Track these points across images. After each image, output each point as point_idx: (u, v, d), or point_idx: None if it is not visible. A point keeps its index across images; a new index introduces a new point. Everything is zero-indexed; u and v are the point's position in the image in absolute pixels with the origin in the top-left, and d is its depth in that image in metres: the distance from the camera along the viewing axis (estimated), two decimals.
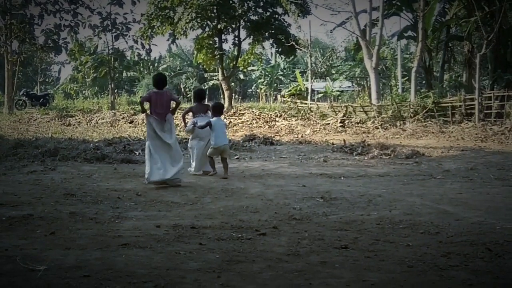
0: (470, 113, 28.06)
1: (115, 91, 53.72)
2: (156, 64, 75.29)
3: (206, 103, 14.79)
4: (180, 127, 21.97)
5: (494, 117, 27.59)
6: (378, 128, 27.50)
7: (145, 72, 66.15)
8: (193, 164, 13.54)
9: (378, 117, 29.61)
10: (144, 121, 11.65)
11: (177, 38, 44.10)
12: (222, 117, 13.47)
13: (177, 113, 16.79)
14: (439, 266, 5.78)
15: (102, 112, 37.99)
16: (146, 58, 54.62)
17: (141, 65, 58.73)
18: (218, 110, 13.16)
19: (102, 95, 61.90)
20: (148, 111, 11.87)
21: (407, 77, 47.84)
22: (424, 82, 38.43)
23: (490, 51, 31.28)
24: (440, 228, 7.56)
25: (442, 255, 6.20)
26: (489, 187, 11.34)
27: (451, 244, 6.70)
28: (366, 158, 17.00)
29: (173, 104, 11.95)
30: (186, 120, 13.96)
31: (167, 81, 12.72)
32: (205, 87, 75.73)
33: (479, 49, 32.32)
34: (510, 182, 12.12)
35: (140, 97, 11.62)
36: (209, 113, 13.31)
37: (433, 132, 25.07)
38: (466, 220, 8.09)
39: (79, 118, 34.36)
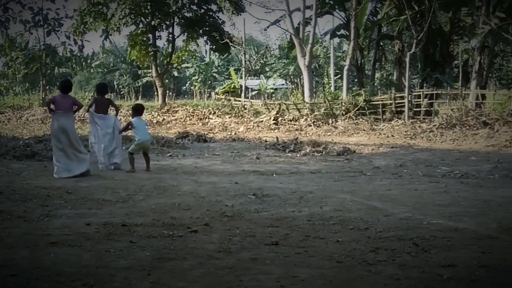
0: (400, 111, 28.58)
1: (47, 87, 52.69)
2: (89, 61, 74.01)
3: (108, 97, 15.16)
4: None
5: (423, 115, 28.16)
6: (310, 125, 27.77)
7: (78, 68, 65.04)
8: (102, 159, 13.75)
9: (310, 114, 29.89)
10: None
11: (111, 34, 43.76)
12: (143, 116, 14.34)
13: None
14: (368, 261, 5.88)
15: (33, 109, 37.33)
16: (78, 54, 53.89)
17: (74, 61, 57.85)
18: (138, 110, 13.97)
19: (33, 92, 60.58)
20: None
21: (339, 75, 48.47)
22: (356, 80, 38.92)
23: (420, 50, 31.96)
24: (369, 224, 7.69)
25: (370, 251, 6.31)
26: (417, 184, 11.58)
27: (379, 240, 6.83)
28: (298, 155, 17.15)
29: (75, 107, 13.14)
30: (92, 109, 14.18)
31: (73, 85, 14.12)
32: (139, 84, 75.11)
33: (409, 48, 32.96)
34: (437, 178, 12.40)
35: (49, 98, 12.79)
36: (110, 107, 14.30)
37: (364, 130, 25.46)
38: (394, 216, 8.25)
39: (9, 115, 33.72)
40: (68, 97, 12.97)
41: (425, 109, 28.75)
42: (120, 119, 18.65)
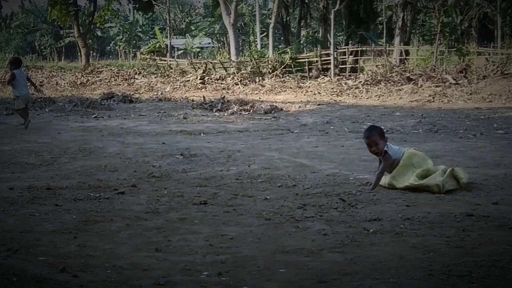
0: (326, 68, 28.78)
1: None
2: (8, 21, 71.87)
3: None
4: None
5: (349, 72, 28.44)
6: (237, 84, 27.66)
7: None
8: None
9: (237, 73, 29.75)
10: None
11: None
12: (23, 69, 14.86)
13: None
14: (296, 218, 5.93)
15: None
16: None
17: None
18: (16, 63, 14.27)
19: None
20: None
21: (265, 33, 48.39)
22: (282, 38, 38.92)
23: (344, 7, 32.09)
24: (297, 181, 7.75)
25: (298, 207, 6.36)
26: (344, 140, 11.73)
27: (307, 196, 6.89)
28: (225, 114, 17.11)
29: None
30: None
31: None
32: (61, 45, 73.42)
33: (334, 5, 33.05)
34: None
35: None
36: None
37: (291, 87, 25.55)
38: (321, 172, 8.34)
39: None
40: None
41: (350, 66, 29.05)
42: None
